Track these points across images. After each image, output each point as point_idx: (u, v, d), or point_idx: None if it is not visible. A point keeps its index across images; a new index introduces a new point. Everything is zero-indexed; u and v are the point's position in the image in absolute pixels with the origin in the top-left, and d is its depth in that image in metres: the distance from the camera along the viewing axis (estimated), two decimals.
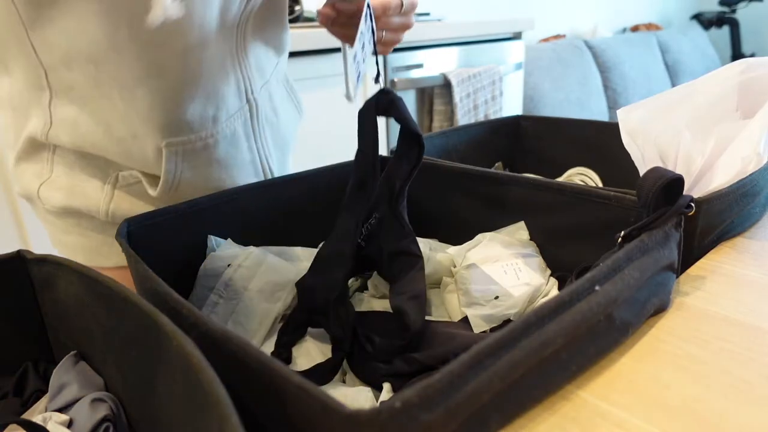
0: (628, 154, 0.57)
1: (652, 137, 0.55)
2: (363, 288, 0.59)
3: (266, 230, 0.60)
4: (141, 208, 0.63)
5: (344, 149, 1.53)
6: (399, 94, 0.62)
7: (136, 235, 0.50)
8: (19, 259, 0.43)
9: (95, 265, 0.68)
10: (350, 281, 0.58)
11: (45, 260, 0.42)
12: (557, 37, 3.02)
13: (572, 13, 3.26)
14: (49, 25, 0.52)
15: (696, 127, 0.54)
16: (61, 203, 0.64)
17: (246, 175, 0.69)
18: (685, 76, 3.33)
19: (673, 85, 3.27)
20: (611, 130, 0.80)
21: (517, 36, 2.14)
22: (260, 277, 0.53)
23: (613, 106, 2.87)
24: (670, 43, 3.38)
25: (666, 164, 0.55)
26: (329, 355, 0.47)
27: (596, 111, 2.76)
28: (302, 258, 0.60)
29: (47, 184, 0.64)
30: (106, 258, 0.68)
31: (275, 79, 0.73)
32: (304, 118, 0.83)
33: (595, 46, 2.89)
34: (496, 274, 0.53)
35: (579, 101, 2.64)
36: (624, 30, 3.64)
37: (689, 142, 0.53)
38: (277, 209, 0.61)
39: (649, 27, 3.59)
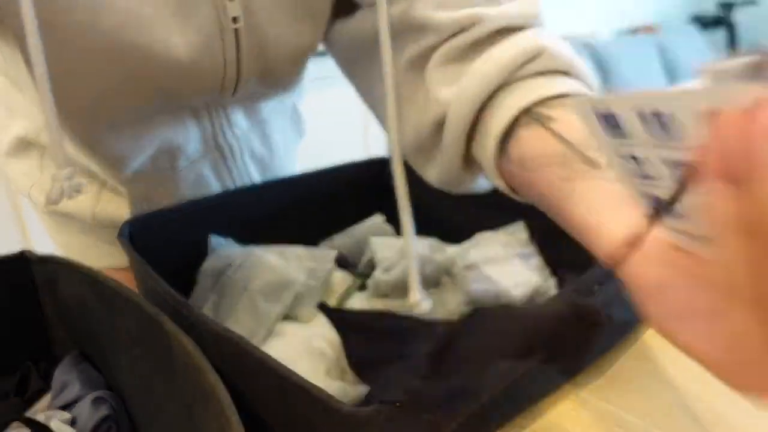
0: None
1: None
2: (363, 288, 0.59)
3: (266, 230, 0.60)
4: (127, 210, 0.61)
5: (344, 150, 1.53)
6: None
7: (137, 235, 0.50)
8: (22, 259, 0.44)
9: None
10: (350, 281, 0.58)
11: (48, 260, 0.42)
12: None
13: (572, 14, 3.26)
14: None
15: None
16: (49, 206, 0.63)
17: None
18: (683, 78, 3.33)
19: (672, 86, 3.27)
20: None
21: None
22: (261, 277, 0.53)
23: None
24: (669, 45, 3.38)
25: None
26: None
27: None
28: (303, 258, 0.60)
29: (37, 187, 0.63)
30: (95, 260, 0.66)
31: (275, 112, 0.66)
32: (305, 137, 0.75)
33: (594, 47, 2.89)
34: (496, 274, 0.53)
35: None
36: (623, 31, 3.64)
37: None
38: (277, 209, 0.61)
39: (648, 28, 3.59)
